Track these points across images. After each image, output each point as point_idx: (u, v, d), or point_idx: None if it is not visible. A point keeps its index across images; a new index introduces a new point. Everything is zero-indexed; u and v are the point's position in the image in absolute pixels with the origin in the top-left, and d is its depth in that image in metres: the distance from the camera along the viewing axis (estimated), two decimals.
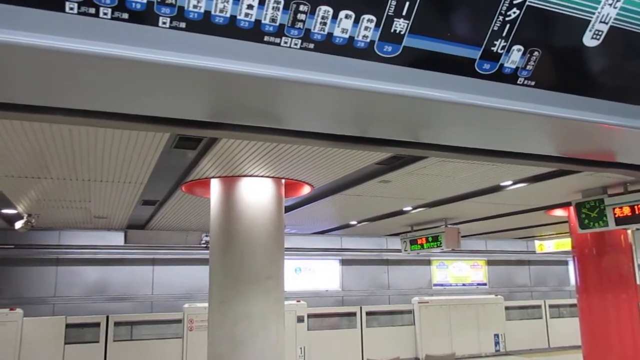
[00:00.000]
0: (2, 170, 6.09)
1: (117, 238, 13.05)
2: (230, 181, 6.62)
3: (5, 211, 9.18)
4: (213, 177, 6.71)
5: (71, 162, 5.83)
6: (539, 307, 16.35)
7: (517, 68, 1.07)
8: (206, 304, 6.90)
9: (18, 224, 9.22)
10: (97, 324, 11.68)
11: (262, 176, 6.59)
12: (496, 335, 15.22)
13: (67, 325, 11.44)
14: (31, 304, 12.33)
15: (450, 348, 13.83)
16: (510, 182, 7.44)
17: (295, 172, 6.48)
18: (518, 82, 1.09)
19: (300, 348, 12.69)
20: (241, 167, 6.19)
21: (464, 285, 17.58)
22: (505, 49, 1.04)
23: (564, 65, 1.10)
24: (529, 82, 1.09)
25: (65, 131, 4.74)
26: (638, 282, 9.36)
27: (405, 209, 9.82)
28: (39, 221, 9.70)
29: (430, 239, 11.69)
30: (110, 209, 9.29)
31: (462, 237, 11.71)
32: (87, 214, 9.82)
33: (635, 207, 7.14)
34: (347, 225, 12.55)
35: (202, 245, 13.09)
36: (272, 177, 6.65)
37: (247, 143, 5.17)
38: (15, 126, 4.56)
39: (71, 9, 0.78)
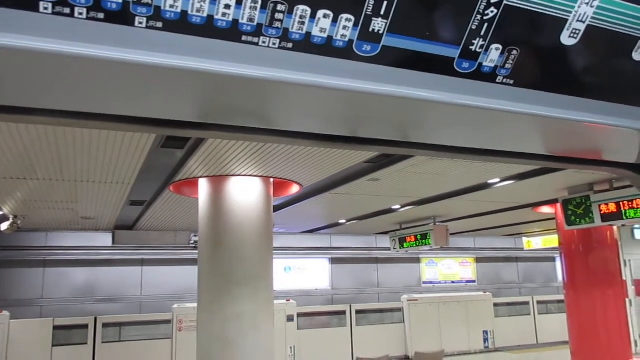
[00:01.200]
0: None
1: (105, 239, 12.95)
2: (218, 181, 6.60)
3: None
4: (201, 177, 6.68)
5: (57, 163, 5.78)
6: (527, 303, 16.51)
7: (496, 67, 1.08)
8: (195, 305, 6.88)
9: (4, 226, 9.13)
10: (85, 326, 11.60)
11: (250, 175, 6.58)
12: (485, 332, 15.33)
13: (55, 327, 11.35)
14: (18, 306, 12.22)
15: (440, 345, 13.91)
16: (497, 180, 7.49)
17: (284, 171, 6.47)
18: (497, 80, 1.10)
19: (290, 347, 12.69)
20: (229, 167, 6.18)
21: (453, 282, 17.69)
22: (484, 48, 1.05)
23: (542, 63, 1.12)
24: (508, 80, 1.11)
25: (51, 131, 4.70)
26: (624, 278, 9.48)
27: (394, 207, 9.85)
28: (26, 222, 9.61)
29: (419, 237, 11.74)
30: (98, 210, 9.22)
31: (451, 234, 11.79)
32: (74, 215, 9.75)
33: (621, 203, 7.22)
34: (337, 224, 12.58)
35: (191, 246, 13.04)
36: (261, 176, 6.64)
37: (235, 142, 5.16)
38: (1, 127, 4.51)
39: (45, 8, 0.78)
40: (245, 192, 6.59)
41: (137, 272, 13.72)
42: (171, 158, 6.01)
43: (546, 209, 10.06)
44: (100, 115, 1.10)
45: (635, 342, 9.85)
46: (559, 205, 8.29)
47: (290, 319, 12.86)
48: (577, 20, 1.06)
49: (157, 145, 5.36)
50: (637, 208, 7.03)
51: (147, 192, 7.92)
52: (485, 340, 15.29)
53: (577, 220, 7.76)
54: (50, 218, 10.01)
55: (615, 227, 8.83)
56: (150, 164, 6.03)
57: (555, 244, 10.94)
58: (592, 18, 1.07)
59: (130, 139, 5.04)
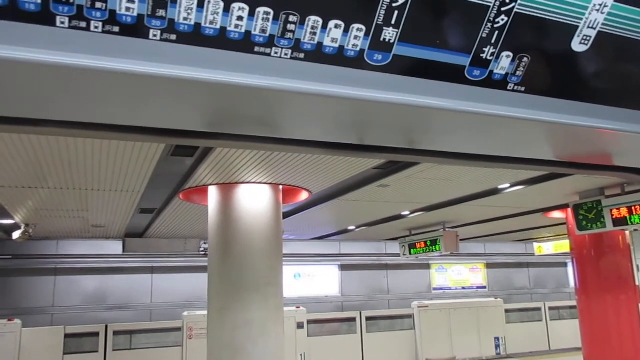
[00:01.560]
0: None
1: (116, 247, 13.00)
2: (227, 188, 6.62)
3: (2, 221, 9.16)
4: (211, 185, 6.70)
5: (68, 172, 5.82)
6: (538, 309, 16.35)
7: (507, 74, 1.08)
8: (205, 312, 6.89)
9: (16, 234, 9.20)
10: (96, 334, 11.63)
11: (259, 183, 6.60)
12: (496, 339, 15.20)
13: (66, 335, 11.39)
14: (30, 314, 12.28)
15: (451, 352, 13.81)
16: (507, 185, 7.45)
17: (293, 179, 6.48)
18: (508, 87, 1.10)
19: (301, 354, 12.66)
20: (239, 174, 6.19)
21: (463, 288, 17.57)
22: (495, 55, 1.05)
23: (553, 70, 1.12)
24: (519, 87, 1.11)
25: (62, 141, 4.74)
26: (637, 283, 9.37)
27: (403, 213, 9.82)
28: (37, 231, 9.67)
29: (428, 243, 11.69)
30: (108, 218, 9.27)
31: (461, 240, 11.72)
32: (84, 223, 9.81)
33: (633, 208, 7.15)
34: (346, 231, 12.55)
35: (201, 253, 13.06)
36: (270, 183, 6.65)
37: (244, 150, 5.18)
38: (13, 137, 4.56)
39: (62, 23, 0.79)
40: (255, 199, 6.60)
41: (147, 279, 13.75)
42: (181, 166, 6.03)
43: (557, 214, 9.98)
44: (111, 126, 1.11)
45: None
46: (569, 210, 8.22)
47: (300, 326, 12.83)
48: (588, 27, 1.06)
49: (167, 154, 5.39)
50: None
51: (157, 200, 7.96)
52: (497, 346, 15.16)
53: (589, 225, 7.70)
54: (61, 226, 10.07)
55: (627, 232, 8.74)
56: (160, 172, 6.06)
57: (567, 249, 10.84)
58: (603, 24, 1.07)
59: (140, 148, 5.07)
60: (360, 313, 14.19)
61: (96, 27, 0.81)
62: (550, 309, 16.37)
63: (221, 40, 0.88)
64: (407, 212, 9.76)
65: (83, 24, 0.80)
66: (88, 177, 6.12)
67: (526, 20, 1.02)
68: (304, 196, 7.44)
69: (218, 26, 0.87)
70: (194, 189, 6.93)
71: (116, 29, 0.82)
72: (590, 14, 1.04)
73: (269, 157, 5.50)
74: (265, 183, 6.62)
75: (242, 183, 6.58)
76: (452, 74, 1.04)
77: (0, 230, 10.13)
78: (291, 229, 11.75)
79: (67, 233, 11.23)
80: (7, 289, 12.57)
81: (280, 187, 6.84)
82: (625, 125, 1.22)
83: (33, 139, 4.64)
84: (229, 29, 0.88)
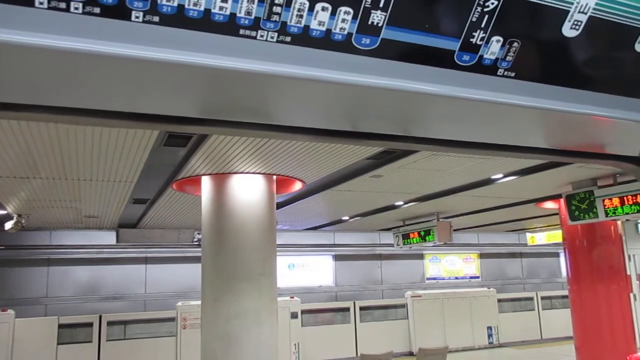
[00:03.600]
0: None
1: (109, 237, 12.97)
2: (221, 178, 6.60)
3: None
4: (204, 175, 6.69)
5: (60, 162, 5.78)
6: (531, 299, 16.48)
7: (496, 59, 1.07)
8: (199, 302, 6.89)
9: (8, 225, 9.15)
10: (90, 324, 11.63)
11: (253, 173, 6.58)
12: (489, 328, 15.32)
13: (60, 326, 11.39)
14: (23, 304, 12.27)
15: (444, 341, 13.90)
16: (500, 175, 7.47)
17: (286, 169, 6.47)
18: (498, 73, 1.09)
19: (295, 344, 12.71)
20: (232, 164, 6.18)
21: (456, 278, 17.68)
22: (485, 40, 1.04)
23: (544, 55, 1.11)
24: (509, 73, 1.10)
25: (53, 130, 4.70)
26: (628, 273, 9.45)
27: (397, 203, 9.84)
28: (30, 221, 9.63)
29: (422, 233, 11.73)
30: (101, 208, 9.24)
31: (454, 230, 11.75)
32: (77, 214, 9.77)
33: (625, 198, 7.19)
34: (340, 221, 12.57)
35: (195, 243, 13.05)
36: (263, 173, 6.64)
37: (238, 139, 5.16)
38: (3, 125, 4.52)
39: (41, 3, 0.78)
40: (248, 190, 6.59)
41: (141, 270, 13.75)
42: (174, 156, 6.01)
43: (550, 204, 10.03)
44: (100, 112, 1.09)
45: None
46: (562, 201, 8.27)
47: (294, 316, 12.87)
48: (579, 12, 1.05)
49: (160, 144, 5.36)
50: None
51: (150, 190, 7.93)
52: (490, 336, 15.28)
53: (581, 215, 7.74)
54: (54, 217, 10.03)
55: (619, 222, 8.79)
56: (153, 162, 6.04)
57: (559, 240, 10.90)
58: (594, 9, 1.06)
59: (133, 137, 5.05)
60: (354, 303, 14.26)
61: (76, 8, 0.79)
62: (543, 298, 16.50)
63: (205, 22, 0.87)
64: (400, 203, 9.78)
65: (62, 5, 0.79)
66: (80, 167, 6.09)
67: (516, 4, 1.01)
68: (297, 186, 7.44)
69: (202, 8, 0.86)
70: (187, 179, 6.91)
71: (97, 10, 0.80)
72: None
73: (262, 146, 5.48)
74: (258, 173, 6.61)
75: (235, 173, 6.56)
76: (441, 59, 1.03)
77: None
78: (285, 220, 11.76)
79: (60, 223, 11.18)
80: (0, 280, 12.53)
81: (274, 177, 6.83)
82: (618, 112, 1.21)
83: (24, 128, 4.60)
84: (213, 10, 0.86)
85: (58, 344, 11.26)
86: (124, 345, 11.72)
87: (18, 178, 6.48)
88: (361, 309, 14.20)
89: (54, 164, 5.85)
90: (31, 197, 7.80)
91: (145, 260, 13.76)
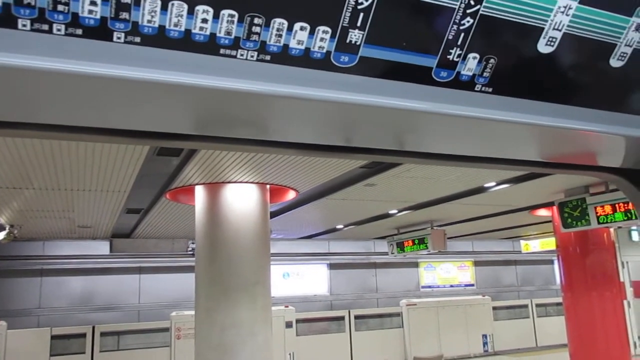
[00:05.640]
0: None
1: (103, 247, 12.93)
2: (214, 188, 6.60)
3: None
4: (197, 184, 6.68)
5: (53, 172, 5.77)
6: (526, 306, 16.49)
7: (474, 75, 1.09)
8: (193, 312, 6.87)
9: (0, 235, 9.11)
10: (83, 335, 11.55)
11: (246, 182, 6.59)
12: (484, 336, 15.31)
13: (53, 337, 11.31)
14: (15, 315, 12.17)
15: (439, 349, 13.89)
16: (493, 184, 7.51)
17: (280, 178, 6.48)
18: (476, 88, 1.11)
19: (289, 353, 12.65)
20: (225, 174, 6.18)
21: (451, 286, 17.67)
22: (461, 57, 1.06)
23: (520, 71, 1.13)
24: (487, 88, 1.12)
25: (46, 142, 4.70)
26: (622, 280, 9.49)
27: (391, 212, 9.85)
28: (22, 232, 9.59)
29: (416, 242, 11.74)
30: (94, 218, 9.21)
31: (449, 238, 11.78)
32: (71, 224, 9.73)
33: (616, 205, 7.23)
34: (334, 229, 12.57)
35: (189, 253, 13.02)
36: (257, 182, 6.65)
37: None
38: None
39: (24, 25, 0.79)
40: (242, 199, 6.59)
41: (134, 280, 13.68)
42: (167, 166, 6.01)
43: (543, 212, 10.07)
44: (91, 129, 1.10)
45: (635, 343, 9.84)
46: (555, 208, 8.30)
47: (289, 325, 12.83)
48: (554, 29, 1.08)
49: (153, 153, 5.36)
50: (633, 210, 7.04)
51: (143, 200, 7.92)
52: (485, 344, 15.27)
53: (574, 222, 7.77)
54: (47, 227, 9.99)
55: (612, 229, 8.83)
56: (146, 172, 6.03)
57: (553, 247, 10.94)
58: (568, 26, 1.08)
59: (125, 148, 5.05)
60: (349, 312, 14.23)
61: (59, 30, 0.81)
62: (537, 306, 16.52)
63: (186, 42, 0.89)
64: (394, 211, 9.80)
65: (45, 27, 0.80)
66: (73, 178, 6.07)
67: (492, 22, 1.03)
68: (291, 195, 7.44)
69: (183, 28, 0.87)
70: (181, 189, 6.91)
71: (79, 31, 0.82)
72: (555, 15, 1.06)
73: (255, 156, 5.49)
74: (252, 182, 6.62)
75: (228, 182, 6.56)
76: (419, 75, 1.05)
77: None
78: (279, 228, 11.74)
79: (54, 234, 11.13)
80: None
81: (267, 186, 6.83)
82: (597, 126, 1.23)
83: (17, 140, 4.59)
84: (193, 31, 0.88)
85: (51, 355, 11.17)
86: (118, 356, 11.64)
87: (10, 188, 6.46)
88: (356, 317, 14.17)
89: (46, 174, 5.83)
90: (24, 208, 7.77)
91: (139, 270, 13.69)
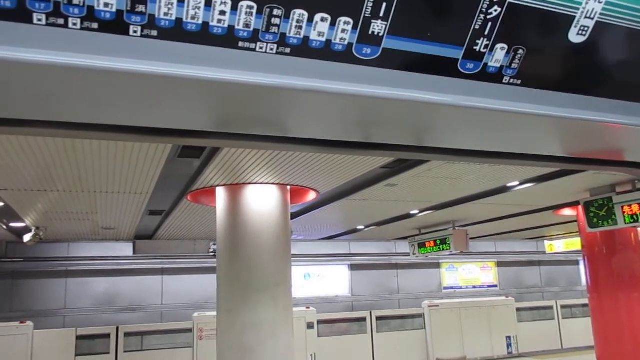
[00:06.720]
0: (8, 184, 6.13)
1: (126, 249, 13.08)
2: (235, 189, 6.62)
3: (13, 224, 9.23)
4: (218, 186, 6.71)
5: (76, 174, 5.85)
6: (550, 307, 16.21)
7: (501, 67, 1.05)
8: (215, 313, 6.90)
9: (27, 237, 9.27)
10: (108, 335, 11.69)
11: (267, 183, 6.59)
12: (508, 338, 15.09)
13: (78, 337, 11.46)
14: (41, 316, 12.38)
15: (462, 351, 13.74)
16: (516, 183, 7.40)
17: (300, 179, 6.47)
18: (504, 81, 1.07)
19: (311, 355, 12.64)
20: (246, 175, 6.19)
21: (474, 287, 17.48)
22: (489, 47, 1.02)
23: (550, 62, 1.09)
24: (515, 80, 1.08)
25: (69, 144, 4.76)
26: None
27: (412, 212, 9.78)
28: (48, 234, 9.74)
29: (438, 242, 11.63)
30: (117, 220, 9.32)
31: (471, 239, 11.65)
32: (94, 226, 9.86)
33: None
34: (355, 230, 12.53)
35: (211, 254, 13.10)
36: (277, 183, 6.65)
37: (251, 150, 5.17)
38: (20, 140, 4.58)
39: (39, 20, 0.78)
40: (263, 200, 6.60)
41: (157, 281, 13.81)
42: (188, 167, 6.04)
43: (567, 212, 9.89)
44: (110, 127, 1.10)
45: None
46: (580, 208, 8.15)
47: (310, 326, 12.82)
48: (586, 17, 1.04)
49: (174, 155, 5.40)
50: None
51: (165, 201, 7.98)
52: (509, 345, 15.06)
53: (600, 222, 7.62)
54: (72, 229, 10.14)
55: (639, 229, 8.64)
56: (168, 174, 6.08)
57: (578, 247, 10.74)
58: (601, 14, 1.04)
59: (147, 149, 5.09)
60: (371, 313, 14.15)
61: (74, 24, 0.80)
62: (562, 307, 16.22)
63: (204, 35, 0.87)
64: (416, 211, 9.72)
65: (61, 21, 0.79)
66: (96, 180, 6.15)
67: (520, 10, 0.99)
68: (311, 196, 7.43)
69: (200, 21, 0.86)
70: (202, 190, 6.94)
71: (95, 25, 0.81)
72: (587, 3, 1.01)
73: (275, 157, 5.49)
74: (272, 184, 6.62)
75: (249, 184, 6.58)
76: (444, 68, 1.02)
77: (11, 233, 10.20)
78: (300, 229, 11.74)
79: (78, 235, 11.30)
80: (19, 292, 12.68)
81: (288, 187, 6.83)
82: (630, 119, 1.18)
83: (40, 142, 4.66)
84: (211, 24, 0.86)
85: (76, 355, 11.33)
86: (142, 357, 11.76)
87: (35, 191, 6.57)
88: (378, 319, 14.09)
89: (70, 176, 5.92)
90: (49, 210, 7.90)
91: (162, 272, 13.82)
